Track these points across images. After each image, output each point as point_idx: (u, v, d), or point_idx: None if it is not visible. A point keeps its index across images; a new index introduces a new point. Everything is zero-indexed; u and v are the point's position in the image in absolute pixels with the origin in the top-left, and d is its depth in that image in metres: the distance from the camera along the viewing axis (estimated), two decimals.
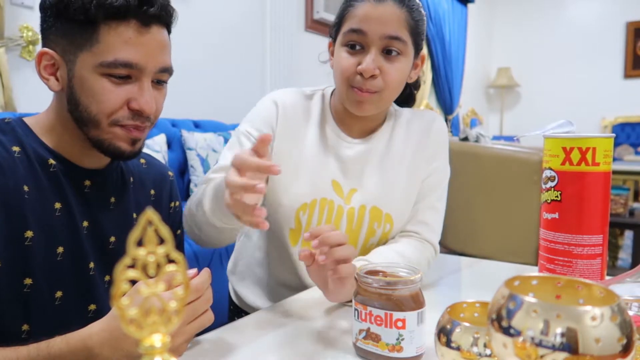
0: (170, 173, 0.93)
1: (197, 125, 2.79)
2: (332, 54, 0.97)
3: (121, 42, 0.67)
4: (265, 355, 0.65)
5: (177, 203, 0.93)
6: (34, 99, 2.17)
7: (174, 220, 0.92)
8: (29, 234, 0.68)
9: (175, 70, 0.77)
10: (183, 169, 2.61)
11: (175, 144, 2.60)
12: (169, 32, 0.76)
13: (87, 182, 0.76)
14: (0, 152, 0.67)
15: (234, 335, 0.71)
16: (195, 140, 2.56)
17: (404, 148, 1.00)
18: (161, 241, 0.29)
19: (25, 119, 0.75)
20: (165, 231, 0.28)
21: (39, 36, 0.73)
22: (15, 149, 0.69)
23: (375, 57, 0.87)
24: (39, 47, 0.76)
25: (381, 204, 0.96)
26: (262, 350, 0.66)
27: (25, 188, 0.68)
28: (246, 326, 0.75)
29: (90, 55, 0.68)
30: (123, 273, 0.28)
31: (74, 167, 0.75)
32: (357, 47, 0.88)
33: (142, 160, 0.89)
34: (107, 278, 0.77)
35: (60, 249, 0.71)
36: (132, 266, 0.28)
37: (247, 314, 1.06)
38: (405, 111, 1.04)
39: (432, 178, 1.01)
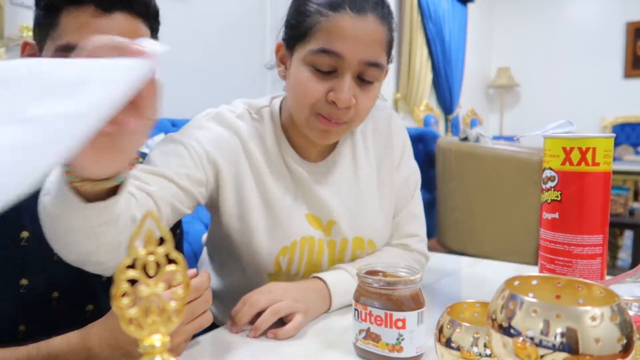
0: None
1: None
2: (281, 60, 0.82)
3: (76, 26, 0.67)
4: (264, 355, 0.65)
5: None
6: None
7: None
8: (25, 234, 0.68)
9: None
10: None
11: None
12: (153, 28, 0.72)
13: None
14: None
15: (234, 335, 0.71)
16: None
17: (368, 161, 0.90)
18: (161, 241, 0.29)
19: None
20: (165, 231, 0.28)
21: None
22: None
23: (351, 85, 0.73)
24: None
25: (363, 233, 0.88)
26: (261, 350, 0.66)
27: None
28: (246, 326, 0.75)
29: (51, 41, 0.68)
30: (123, 273, 0.28)
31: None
32: (327, 70, 0.73)
33: (140, 160, 0.89)
34: (104, 278, 0.77)
35: None
36: (132, 266, 0.28)
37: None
38: None
39: (405, 187, 0.93)
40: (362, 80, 0.75)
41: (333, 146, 0.88)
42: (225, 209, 0.81)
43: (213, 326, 0.99)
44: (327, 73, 0.73)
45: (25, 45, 0.72)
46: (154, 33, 0.73)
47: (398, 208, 0.93)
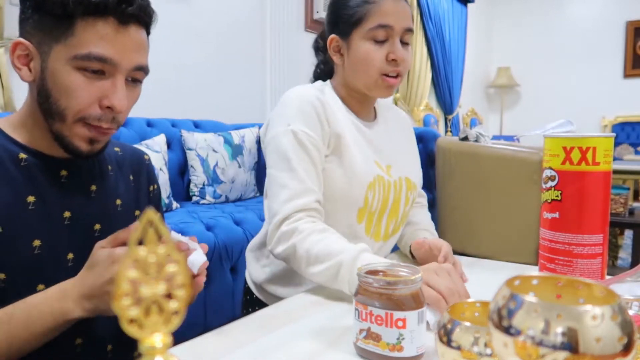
0: (145, 157, 0.94)
1: (197, 125, 2.79)
2: (336, 50, 1.07)
3: (97, 37, 0.68)
4: (265, 355, 0.65)
5: (155, 186, 0.94)
6: None
7: (153, 204, 0.93)
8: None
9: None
10: (183, 169, 2.61)
11: (175, 144, 2.60)
12: (148, 33, 0.75)
13: (64, 172, 0.76)
14: None
15: (234, 335, 0.71)
16: (195, 140, 2.56)
17: (395, 127, 1.19)
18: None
19: None
20: (165, 231, 0.28)
21: None
22: None
23: (400, 47, 1.01)
24: None
25: (409, 175, 1.12)
26: (262, 350, 0.66)
27: None
28: (246, 326, 0.75)
29: (64, 47, 0.68)
30: (123, 273, 0.28)
31: (47, 158, 0.75)
32: (381, 40, 1.00)
33: (117, 149, 0.90)
34: None
35: (37, 242, 0.71)
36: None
37: (262, 303, 1.12)
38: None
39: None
40: (404, 43, 1.02)
41: (375, 113, 1.17)
42: (330, 157, 1.03)
43: (251, 299, 1.14)
44: (383, 42, 1.01)
45: (17, 44, 0.71)
46: (148, 36, 0.76)
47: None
